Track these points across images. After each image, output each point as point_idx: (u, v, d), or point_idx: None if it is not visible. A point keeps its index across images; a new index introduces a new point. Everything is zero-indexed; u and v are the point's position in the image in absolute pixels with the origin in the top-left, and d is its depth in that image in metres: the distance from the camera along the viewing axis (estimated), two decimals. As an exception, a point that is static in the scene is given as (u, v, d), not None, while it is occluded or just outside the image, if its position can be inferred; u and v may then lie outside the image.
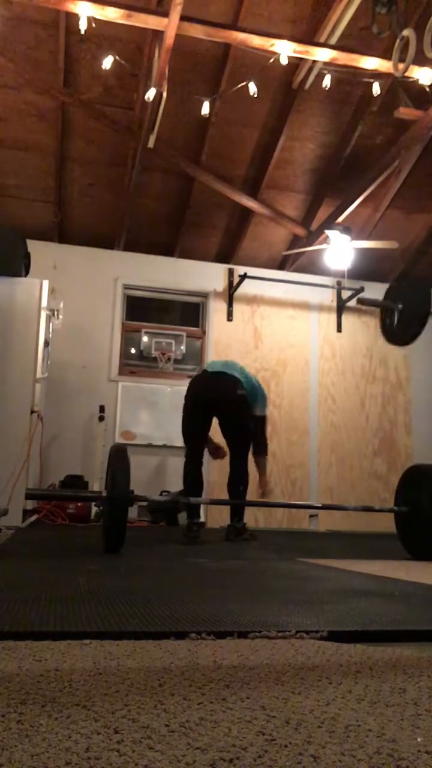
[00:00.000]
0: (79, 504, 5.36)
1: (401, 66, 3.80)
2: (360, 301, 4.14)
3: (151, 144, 5.28)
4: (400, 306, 3.76)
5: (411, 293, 3.78)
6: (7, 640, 1.12)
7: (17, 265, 4.78)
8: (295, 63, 4.93)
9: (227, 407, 4.00)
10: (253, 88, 4.92)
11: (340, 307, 7.06)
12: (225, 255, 6.91)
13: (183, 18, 4.06)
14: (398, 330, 3.80)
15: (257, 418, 4.12)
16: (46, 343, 4.95)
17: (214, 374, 4.05)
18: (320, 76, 4.90)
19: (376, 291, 7.13)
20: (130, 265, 6.70)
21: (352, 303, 7.04)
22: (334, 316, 7.07)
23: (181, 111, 5.42)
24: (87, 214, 6.41)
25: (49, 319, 5.04)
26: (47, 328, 4.94)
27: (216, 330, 6.73)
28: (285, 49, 4.36)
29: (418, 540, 3.24)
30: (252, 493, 6.21)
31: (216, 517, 5.95)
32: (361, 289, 6.88)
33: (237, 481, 4.01)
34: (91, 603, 1.49)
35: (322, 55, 4.48)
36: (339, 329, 7.05)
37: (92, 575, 2.06)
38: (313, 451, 6.72)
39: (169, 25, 4.08)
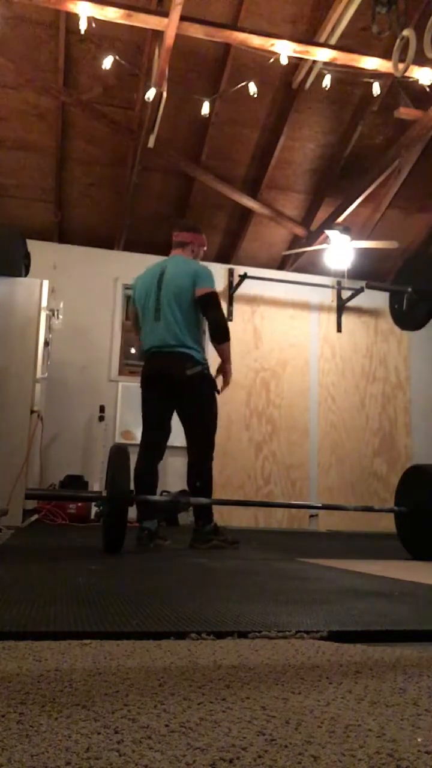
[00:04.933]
0: (79, 504, 5.36)
1: (401, 66, 3.80)
2: (368, 286, 4.09)
3: (151, 144, 5.28)
4: (409, 289, 3.72)
5: (421, 274, 3.74)
6: (7, 640, 1.12)
7: (17, 265, 4.77)
8: (295, 63, 4.93)
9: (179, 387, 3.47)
10: (253, 88, 4.93)
11: (340, 307, 7.06)
12: (225, 255, 6.91)
13: (183, 18, 4.06)
14: (409, 314, 3.75)
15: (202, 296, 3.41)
16: (46, 343, 4.95)
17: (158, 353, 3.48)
18: (320, 76, 4.90)
19: (376, 291, 7.15)
20: (130, 265, 6.68)
21: (352, 303, 7.05)
22: (334, 316, 7.07)
23: (181, 111, 5.42)
24: (87, 214, 6.41)
25: (49, 319, 5.04)
26: (47, 328, 4.94)
27: (216, 330, 6.73)
28: (285, 49, 4.36)
29: (418, 540, 3.24)
30: (252, 493, 6.23)
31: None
32: (361, 289, 6.87)
33: (193, 474, 3.56)
34: (91, 603, 1.49)
35: (322, 55, 4.48)
36: (339, 329, 7.05)
37: (92, 575, 2.06)
38: (313, 451, 6.71)
39: (169, 25, 4.08)
